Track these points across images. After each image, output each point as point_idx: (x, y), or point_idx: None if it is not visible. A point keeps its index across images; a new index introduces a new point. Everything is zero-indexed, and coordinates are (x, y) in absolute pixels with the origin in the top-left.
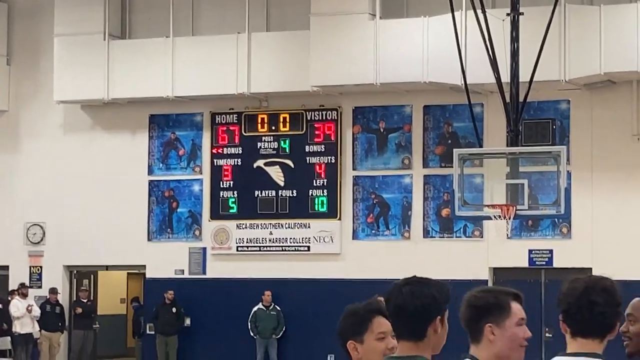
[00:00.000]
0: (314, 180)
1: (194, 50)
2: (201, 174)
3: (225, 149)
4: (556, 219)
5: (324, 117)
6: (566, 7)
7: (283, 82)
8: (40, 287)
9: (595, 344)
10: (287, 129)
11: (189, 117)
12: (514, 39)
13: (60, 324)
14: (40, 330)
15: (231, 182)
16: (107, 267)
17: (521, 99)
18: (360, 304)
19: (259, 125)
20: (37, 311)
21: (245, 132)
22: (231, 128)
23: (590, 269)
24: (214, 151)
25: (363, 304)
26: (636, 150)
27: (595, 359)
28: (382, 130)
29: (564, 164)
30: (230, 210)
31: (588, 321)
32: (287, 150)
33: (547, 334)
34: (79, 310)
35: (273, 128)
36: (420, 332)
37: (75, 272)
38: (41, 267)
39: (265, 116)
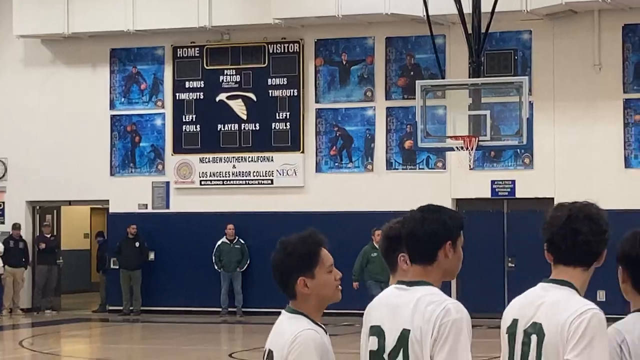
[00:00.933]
0: (277, 114)
1: None
2: (163, 108)
3: (187, 82)
4: (518, 150)
5: (286, 50)
6: None
7: (245, 15)
8: (2, 222)
9: (579, 272)
10: (249, 62)
11: (151, 50)
12: None
13: (23, 260)
14: (3, 266)
15: (194, 116)
16: (70, 202)
17: (483, 29)
18: (299, 236)
19: (221, 59)
20: (0, 247)
21: (207, 65)
22: (193, 62)
23: (552, 198)
24: (175, 85)
25: (304, 237)
26: (597, 80)
27: (570, 288)
28: (344, 62)
29: (525, 95)
30: (193, 145)
31: (571, 250)
32: (250, 84)
33: (509, 264)
34: (43, 245)
35: (235, 61)
36: (430, 256)
37: (38, 207)
38: (3, 202)
39: (227, 49)
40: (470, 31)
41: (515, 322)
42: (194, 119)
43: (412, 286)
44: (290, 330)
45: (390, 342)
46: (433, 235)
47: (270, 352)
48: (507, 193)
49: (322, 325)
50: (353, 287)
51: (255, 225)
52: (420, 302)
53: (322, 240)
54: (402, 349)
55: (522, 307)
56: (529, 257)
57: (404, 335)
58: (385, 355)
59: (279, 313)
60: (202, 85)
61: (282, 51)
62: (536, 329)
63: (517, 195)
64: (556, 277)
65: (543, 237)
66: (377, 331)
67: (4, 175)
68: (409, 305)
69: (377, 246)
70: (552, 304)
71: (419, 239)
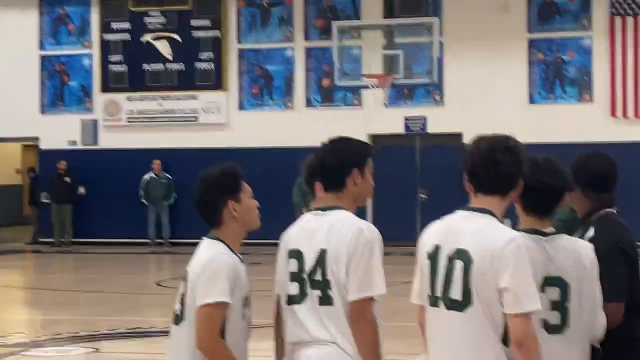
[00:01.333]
0: (201, 54)
1: None
2: (91, 48)
3: (113, 24)
4: (429, 87)
5: None
6: None
7: None
8: None
9: (498, 201)
10: (174, 4)
11: None
12: None
13: None
14: None
15: (120, 57)
16: (1, 140)
17: None
18: (219, 168)
19: (146, 1)
20: None
21: (132, 7)
22: (119, 3)
23: (461, 134)
24: (103, 26)
25: (225, 167)
26: (504, 20)
27: (490, 216)
28: (265, 4)
29: (436, 35)
30: (120, 84)
31: (492, 179)
32: (174, 25)
33: (422, 195)
34: None
35: (159, 3)
36: (340, 183)
37: None
38: None
39: None
40: None
41: (437, 248)
42: (120, 60)
43: (326, 211)
44: (206, 253)
45: (309, 263)
46: (340, 163)
47: (186, 273)
48: (419, 129)
49: (239, 255)
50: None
51: (181, 161)
52: (335, 225)
53: (240, 171)
54: (320, 268)
55: (443, 233)
56: (440, 189)
57: (322, 255)
58: (305, 275)
59: None
60: (129, 27)
61: None
62: (461, 255)
63: (429, 131)
64: (477, 206)
65: (464, 168)
66: (296, 254)
67: None
68: (324, 228)
69: None
70: (475, 231)
71: (328, 168)
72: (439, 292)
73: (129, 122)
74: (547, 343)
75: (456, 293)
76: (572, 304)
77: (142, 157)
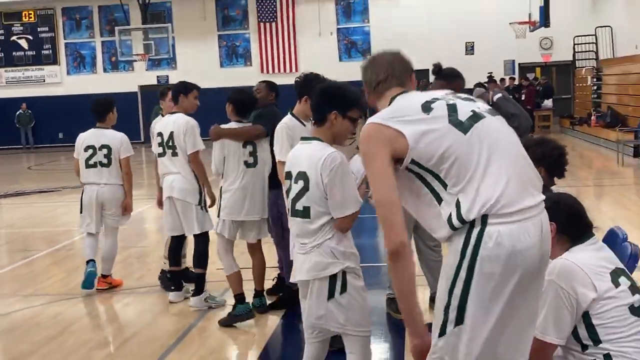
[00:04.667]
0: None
1: None
2: None
3: None
4: (168, 60)
5: None
6: None
7: None
8: None
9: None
10: None
11: None
12: None
13: None
14: None
15: None
16: None
17: (142, 2)
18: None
19: None
20: None
21: None
22: None
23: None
24: None
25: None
26: (203, 26)
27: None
28: (77, 18)
29: (169, 33)
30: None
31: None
32: None
33: None
34: None
35: None
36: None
37: None
38: None
39: None
40: (140, 2)
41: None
42: None
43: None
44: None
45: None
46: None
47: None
48: (164, 82)
49: None
50: None
51: (36, 104)
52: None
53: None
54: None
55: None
56: None
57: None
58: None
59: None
60: None
61: None
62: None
63: (170, 82)
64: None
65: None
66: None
67: None
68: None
69: None
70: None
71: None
72: None
73: (7, 84)
74: None
75: None
76: None
77: (15, 102)
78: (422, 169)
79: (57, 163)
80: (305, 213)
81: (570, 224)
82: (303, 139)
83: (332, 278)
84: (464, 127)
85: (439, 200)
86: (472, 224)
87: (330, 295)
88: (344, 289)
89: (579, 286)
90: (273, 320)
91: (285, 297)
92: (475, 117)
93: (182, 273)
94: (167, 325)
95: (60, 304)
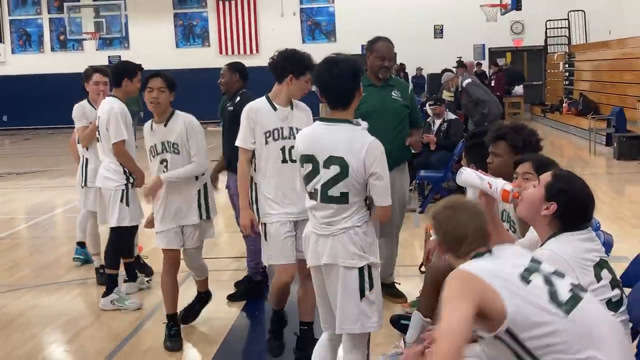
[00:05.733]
0: None
1: None
2: None
3: None
4: (120, 40)
5: None
6: None
7: None
8: None
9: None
10: None
11: None
12: None
13: None
14: None
15: None
16: None
17: None
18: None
19: None
20: None
21: None
22: None
23: (141, 65)
24: None
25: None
26: (158, 3)
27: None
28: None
29: (122, 10)
30: None
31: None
32: None
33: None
34: None
35: None
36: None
37: None
38: None
39: None
40: None
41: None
42: None
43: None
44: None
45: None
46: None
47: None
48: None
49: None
50: None
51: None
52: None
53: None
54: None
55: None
56: None
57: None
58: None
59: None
60: None
61: None
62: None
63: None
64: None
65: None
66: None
67: None
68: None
69: None
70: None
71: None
72: None
73: None
74: None
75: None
76: None
77: None
78: (515, 341)
79: (1, 147)
80: (342, 199)
81: (569, 215)
82: (323, 120)
83: (361, 274)
84: (565, 308)
85: None
86: None
87: (362, 294)
88: (371, 285)
89: None
90: (233, 312)
91: (248, 288)
92: (575, 298)
93: (135, 263)
94: (119, 318)
95: (5, 296)
